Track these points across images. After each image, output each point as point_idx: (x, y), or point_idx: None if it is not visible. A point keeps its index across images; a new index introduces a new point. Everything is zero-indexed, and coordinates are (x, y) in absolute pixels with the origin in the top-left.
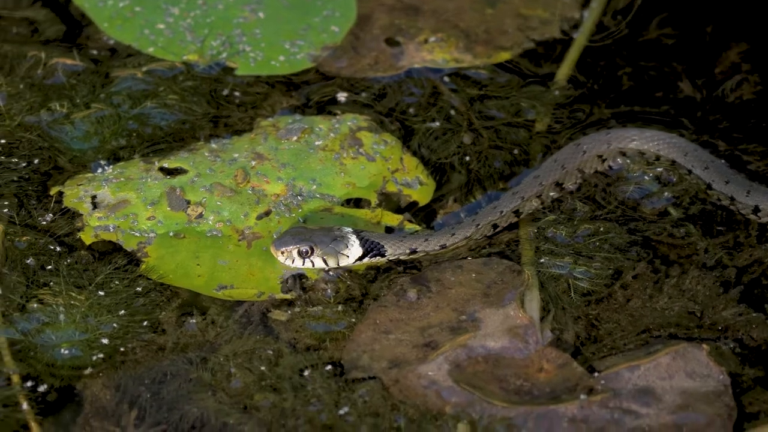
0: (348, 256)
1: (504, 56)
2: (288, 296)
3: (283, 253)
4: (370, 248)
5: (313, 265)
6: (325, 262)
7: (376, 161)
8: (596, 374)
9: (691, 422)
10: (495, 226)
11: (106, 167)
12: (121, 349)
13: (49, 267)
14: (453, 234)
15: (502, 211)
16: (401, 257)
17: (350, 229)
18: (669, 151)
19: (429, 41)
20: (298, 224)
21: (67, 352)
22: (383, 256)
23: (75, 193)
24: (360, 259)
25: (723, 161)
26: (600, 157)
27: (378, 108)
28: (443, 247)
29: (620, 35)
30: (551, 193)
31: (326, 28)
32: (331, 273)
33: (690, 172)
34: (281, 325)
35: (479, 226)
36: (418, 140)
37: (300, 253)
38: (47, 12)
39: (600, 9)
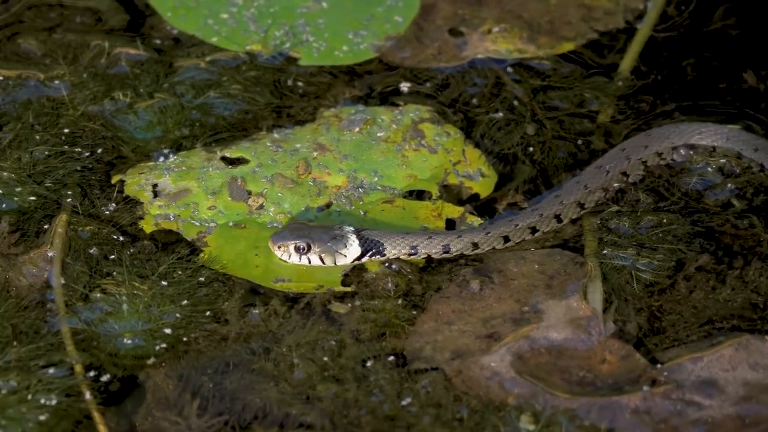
0: (345, 256)
1: (567, 47)
2: (348, 289)
3: (280, 247)
4: (369, 247)
5: (310, 263)
6: (322, 260)
7: (438, 153)
8: (659, 366)
9: (754, 414)
10: (506, 238)
11: (168, 156)
12: (184, 339)
13: (112, 257)
14: (459, 236)
15: (517, 224)
16: (401, 257)
17: (351, 228)
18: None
19: (492, 31)
20: (299, 220)
21: (129, 341)
22: (383, 255)
23: (136, 182)
24: (359, 258)
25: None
26: (624, 173)
27: (441, 98)
28: (446, 248)
29: (684, 26)
30: (571, 213)
31: (389, 18)
32: (393, 266)
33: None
34: (343, 316)
35: (489, 234)
36: (481, 131)
37: (297, 249)
38: (111, 2)
39: None
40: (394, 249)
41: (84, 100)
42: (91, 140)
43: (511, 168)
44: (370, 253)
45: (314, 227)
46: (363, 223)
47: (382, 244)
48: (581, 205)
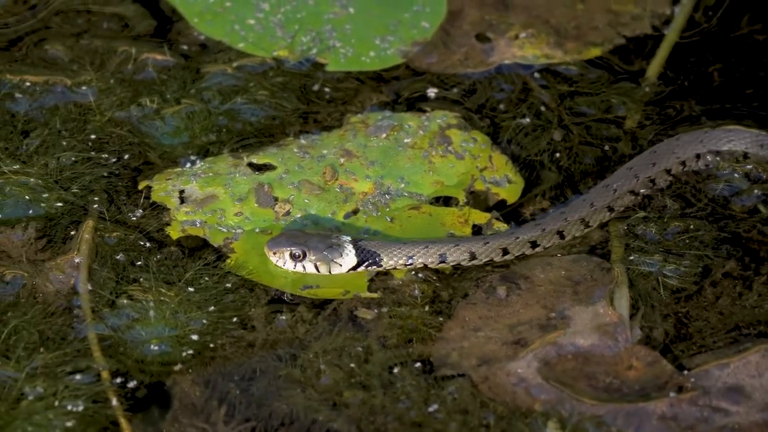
0: (341, 265)
1: (594, 52)
2: (374, 295)
3: (275, 253)
4: (365, 258)
5: (305, 270)
6: (316, 268)
7: (464, 159)
8: (686, 372)
9: None
10: (505, 251)
11: (195, 162)
12: (211, 345)
13: (139, 263)
14: (457, 245)
15: (517, 237)
16: (398, 267)
17: (348, 238)
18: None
19: (519, 37)
20: (296, 227)
21: (156, 348)
22: (379, 266)
23: (163, 188)
24: (354, 268)
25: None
26: (632, 191)
27: (468, 104)
28: (443, 258)
29: (711, 31)
30: (574, 230)
31: (416, 24)
32: (419, 275)
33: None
34: (370, 322)
35: (488, 244)
36: (508, 137)
37: (292, 256)
38: (138, 7)
39: (691, 5)
40: (391, 260)
41: (111, 105)
42: (118, 146)
43: (538, 174)
44: (366, 263)
45: (311, 235)
46: (388, 230)
47: (379, 255)
48: (585, 224)
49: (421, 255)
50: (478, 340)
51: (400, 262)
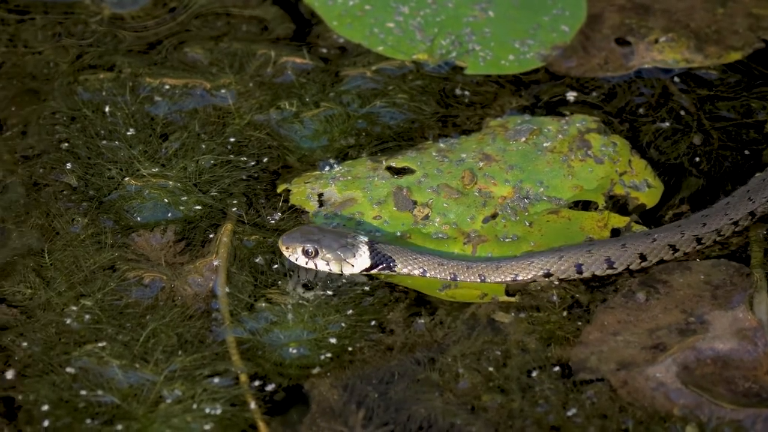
0: (353, 266)
1: (734, 56)
2: (512, 299)
3: (288, 248)
4: (379, 261)
5: (316, 267)
6: (328, 266)
7: (604, 163)
8: None
9: None
10: (515, 276)
11: (334, 166)
12: (349, 348)
13: (276, 266)
14: (469, 267)
15: (531, 262)
16: (411, 275)
17: (365, 239)
18: None
19: (659, 41)
20: (312, 223)
21: (294, 351)
22: (393, 271)
23: (302, 191)
24: (368, 270)
25: None
26: (671, 246)
27: (607, 108)
28: (454, 277)
29: None
30: (595, 268)
31: (556, 28)
32: (556, 282)
33: None
34: (508, 326)
35: (500, 268)
36: (647, 141)
37: (304, 252)
38: (277, 10)
39: None
40: (405, 267)
41: (250, 109)
42: (257, 149)
43: (678, 178)
44: (380, 267)
45: (327, 232)
46: (528, 234)
47: (393, 260)
48: (611, 264)
49: (435, 270)
50: (617, 345)
51: (415, 272)
